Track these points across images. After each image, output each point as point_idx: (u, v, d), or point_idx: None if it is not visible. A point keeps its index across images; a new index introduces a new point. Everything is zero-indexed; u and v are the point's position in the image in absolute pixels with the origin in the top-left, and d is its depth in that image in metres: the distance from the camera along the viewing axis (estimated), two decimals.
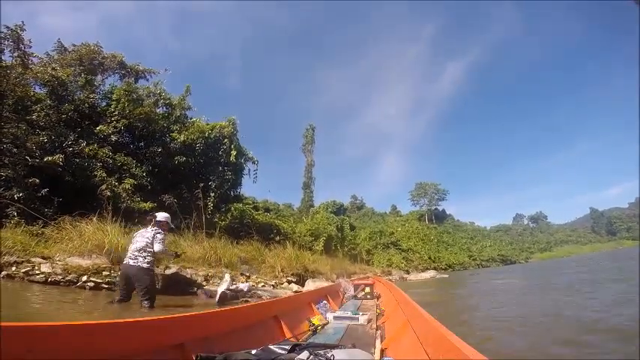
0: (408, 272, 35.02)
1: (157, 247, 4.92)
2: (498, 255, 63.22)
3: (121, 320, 1.66)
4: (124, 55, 14.52)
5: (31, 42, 10.38)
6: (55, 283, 5.79)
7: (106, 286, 6.08)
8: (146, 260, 4.78)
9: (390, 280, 17.84)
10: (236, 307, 3.32)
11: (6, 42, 9.89)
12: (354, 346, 2.17)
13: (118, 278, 4.99)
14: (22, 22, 10.08)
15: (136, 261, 4.73)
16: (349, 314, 4.08)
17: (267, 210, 31.86)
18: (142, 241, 4.88)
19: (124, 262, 4.81)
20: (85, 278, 6.01)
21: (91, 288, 5.93)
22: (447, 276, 32.14)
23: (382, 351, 2.69)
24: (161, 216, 5.35)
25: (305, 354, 1.74)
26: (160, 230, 5.09)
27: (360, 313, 4.08)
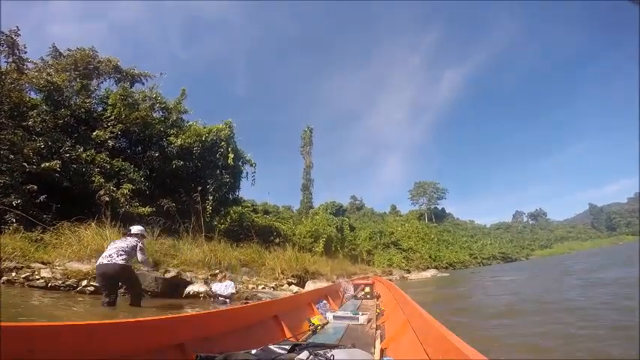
0: (408, 271, 34.97)
1: (140, 256, 5.20)
2: (499, 253, 63.16)
3: (121, 320, 1.67)
4: (119, 59, 14.51)
5: (26, 47, 10.36)
6: (55, 287, 5.79)
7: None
8: (121, 257, 4.84)
9: (390, 279, 17.85)
10: (236, 307, 3.33)
11: (1, 47, 9.87)
12: (354, 346, 2.18)
13: (97, 281, 5.09)
14: (17, 27, 10.07)
15: (110, 259, 4.79)
16: (349, 314, 4.09)
17: (267, 212, 31.84)
18: (121, 244, 5.01)
19: (98, 263, 4.82)
20: (84, 283, 6.01)
21: (91, 292, 5.92)
22: (448, 274, 32.16)
23: (382, 351, 2.70)
24: (136, 229, 5.56)
25: (305, 354, 1.74)
26: (141, 241, 5.30)
27: (360, 313, 4.09)
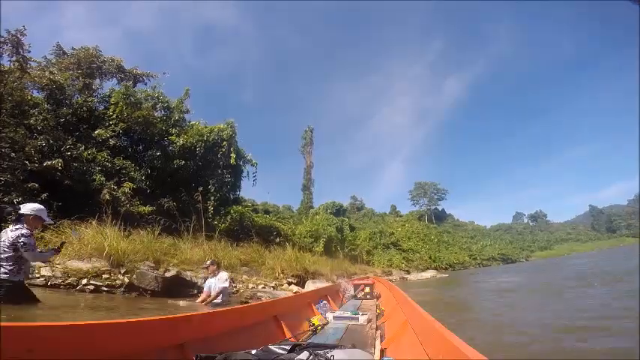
0: (408, 272, 34.95)
1: (28, 256, 3.73)
2: (499, 254, 63.02)
3: (121, 320, 1.66)
4: (122, 58, 14.54)
5: (30, 46, 10.37)
6: (56, 286, 5.80)
7: (106, 289, 6.10)
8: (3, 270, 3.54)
9: (390, 280, 17.81)
10: (236, 307, 3.33)
11: (5, 46, 9.87)
12: (354, 346, 2.17)
13: None
14: (23, 26, 10.06)
15: None
16: (349, 314, 4.08)
17: (267, 212, 31.81)
18: None
19: None
20: (85, 281, 6.03)
21: (91, 291, 5.94)
22: (447, 275, 32.17)
23: (382, 351, 2.70)
24: (27, 208, 3.85)
25: (305, 354, 1.73)
26: (24, 232, 3.67)
27: (360, 313, 4.07)
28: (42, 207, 4.06)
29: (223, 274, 5.96)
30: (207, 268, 6.11)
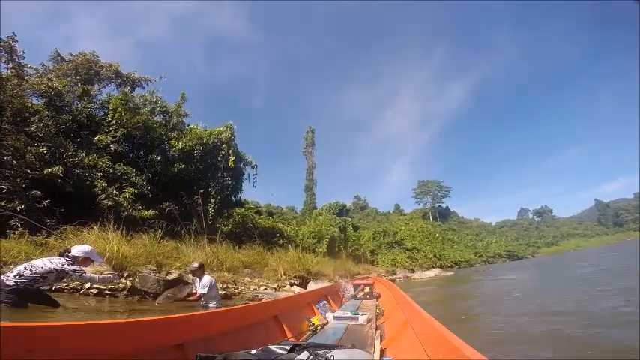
0: (412, 271, 34.84)
1: (88, 276, 4.10)
2: (504, 251, 62.58)
3: (121, 320, 1.69)
4: (119, 64, 14.62)
5: (24, 53, 10.46)
6: (59, 290, 5.84)
7: (109, 293, 6.15)
8: (15, 278, 3.62)
9: (393, 279, 17.81)
10: (236, 307, 3.35)
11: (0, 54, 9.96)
12: (353, 346, 2.19)
13: None
14: (14, 33, 10.15)
15: (6, 278, 3.63)
16: (349, 314, 4.09)
17: (270, 214, 31.84)
18: (38, 263, 3.76)
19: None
20: (88, 285, 6.07)
21: (94, 295, 5.99)
22: (452, 273, 32.03)
23: (382, 351, 2.72)
24: (78, 250, 4.04)
25: (305, 354, 1.75)
26: (76, 267, 3.95)
27: (360, 313, 4.08)
28: (91, 248, 4.24)
29: (204, 279, 5.60)
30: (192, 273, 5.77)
